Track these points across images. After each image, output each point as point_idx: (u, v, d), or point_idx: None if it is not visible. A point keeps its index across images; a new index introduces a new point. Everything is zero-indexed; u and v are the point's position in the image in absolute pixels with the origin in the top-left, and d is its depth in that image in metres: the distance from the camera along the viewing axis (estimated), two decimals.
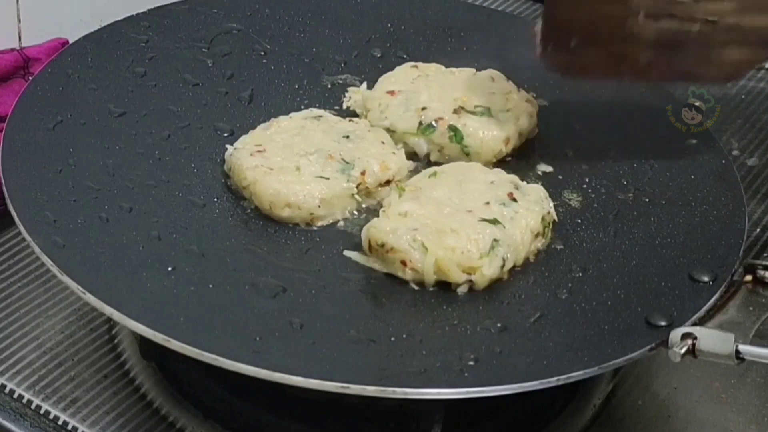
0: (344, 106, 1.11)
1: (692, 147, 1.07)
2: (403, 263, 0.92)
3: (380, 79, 1.11)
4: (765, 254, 1.12)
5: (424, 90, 1.08)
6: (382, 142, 1.03)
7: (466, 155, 1.05)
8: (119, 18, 1.15)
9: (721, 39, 0.96)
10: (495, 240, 0.93)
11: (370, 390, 0.81)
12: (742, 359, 0.82)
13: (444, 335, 0.88)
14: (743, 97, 1.36)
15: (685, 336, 0.83)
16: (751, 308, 0.89)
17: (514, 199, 0.97)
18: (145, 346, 0.94)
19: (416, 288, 0.92)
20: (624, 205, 1.01)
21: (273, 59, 1.16)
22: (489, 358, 0.86)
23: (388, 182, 1.01)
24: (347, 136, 1.03)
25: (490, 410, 0.95)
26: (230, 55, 1.15)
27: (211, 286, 0.90)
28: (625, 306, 0.91)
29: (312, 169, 0.99)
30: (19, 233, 0.92)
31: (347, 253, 0.95)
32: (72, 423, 0.94)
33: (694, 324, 0.86)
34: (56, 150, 0.99)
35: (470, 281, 0.92)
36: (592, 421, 0.97)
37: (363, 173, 0.99)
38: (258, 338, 0.85)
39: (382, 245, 0.93)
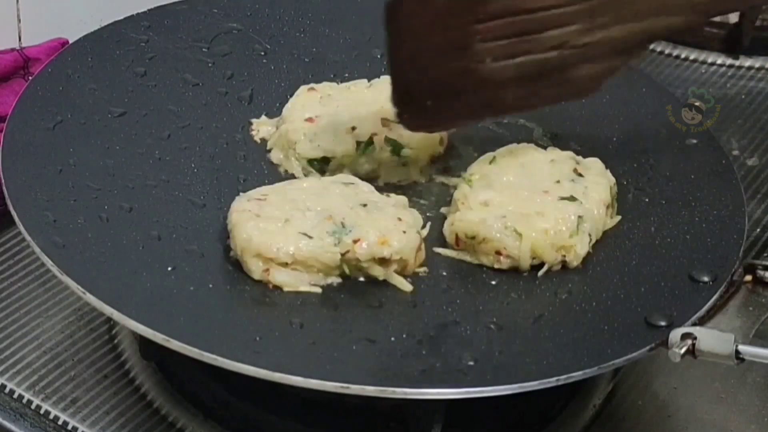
0: (256, 140, 1.07)
1: (692, 147, 1.07)
2: (498, 252, 0.93)
3: (287, 109, 1.07)
4: (765, 254, 1.12)
5: (341, 110, 1.05)
6: (399, 219, 0.94)
7: (404, 165, 1.04)
8: (119, 18, 1.15)
9: (578, 58, 0.96)
10: (579, 217, 0.94)
11: (370, 390, 0.81)
12: (742, 359, 0.82)
13: (444, 335, 0.88)
14: (743, 97, 1.36)
15: (685, 336, 0.83)
16: (751, 308, 0.89)
17: (581, 174, 0.98)
18: (145, 346, 0.94)
19: (422, 286, 0.92)
20: (624, 205, 1.01)
21: (273, 59, 1.16)
22: (489, 358, 0.86)
23: (385, 261, 0.92)
24: (365, 205, 0.94)
25: (490, 410, 0.95)
26: (230, 55, 1.15)
27: (211, 286, 0.90)
28: (624, 306, 0.91)
29: (300, 224, 0.92)
30: (19, 233, 0.92)
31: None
32: (72, 423, 0.94)
33: (694, 324, 0.86)
34: (56, 150, 0.99)
35: (563, 260, 0.94)
36: (592, 421, 0.97)
37: (356, 241, 0.91)
38: (258, 338, 0.85)
39: (473, 237, 0.94)
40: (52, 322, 1.02)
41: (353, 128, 1.04)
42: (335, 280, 0.92)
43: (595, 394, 0.99)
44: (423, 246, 0.95)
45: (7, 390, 0.96)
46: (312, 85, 1.10)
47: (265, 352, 0.83)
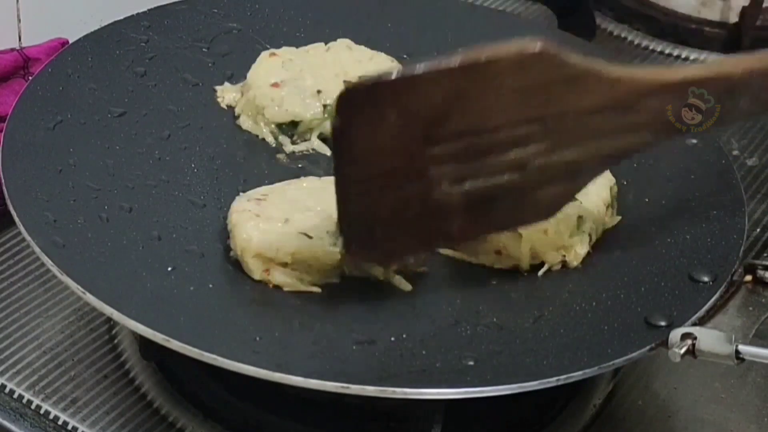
0: (222, 106, 1.09)
1: (692, 147, 1.07)
2: (498, 252, 0.93)
3: (251, 75, 1.09)
4: (765, 254, 1.12)
5: (305, 74, 1.07)
6: None
7: None
8: (119, 18, 1.15)
9: (533, 181, 0.88)
10: (579, 217, 0.94)
11: (370, 390, 0.81)
12: (742, 359, 0.82)
13: (444, 335, 0.88)
14: None
15: (685, 336, 0.83)
16: (751, 308, 0.89)
17: None
18: (145, 346, 0.94)
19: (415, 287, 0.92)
20: (624, 205, 1.01)
21: None
22: (489, 358, 0.86)
23: None
24: None
25: (490, 410, 0.95)
26: (230, 55, 1.15)
27: (211, 286, 0.90)
28: (625, 306, 0.91)
29: (300, 224, 0.91)
30: (19, 233, 0.92)
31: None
32: (72, 423, 0.94)
33: (694, 324, 0.86)
34: (56, 150, 0.99)
35: (563, 260, 0.94)
36: (592, 421, 0.97)
37: None
38: (258, 338, 0.85)
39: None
40: (52, 322, 1.02)
41: (318, 91, 1.06)
42: (335, 280, 0.92)
43: (595, 394, 0.99)
44: None
45: (7, 390, 0.96)
46: (272, 50, 1.11)
47: (265, 352, 0.83)
